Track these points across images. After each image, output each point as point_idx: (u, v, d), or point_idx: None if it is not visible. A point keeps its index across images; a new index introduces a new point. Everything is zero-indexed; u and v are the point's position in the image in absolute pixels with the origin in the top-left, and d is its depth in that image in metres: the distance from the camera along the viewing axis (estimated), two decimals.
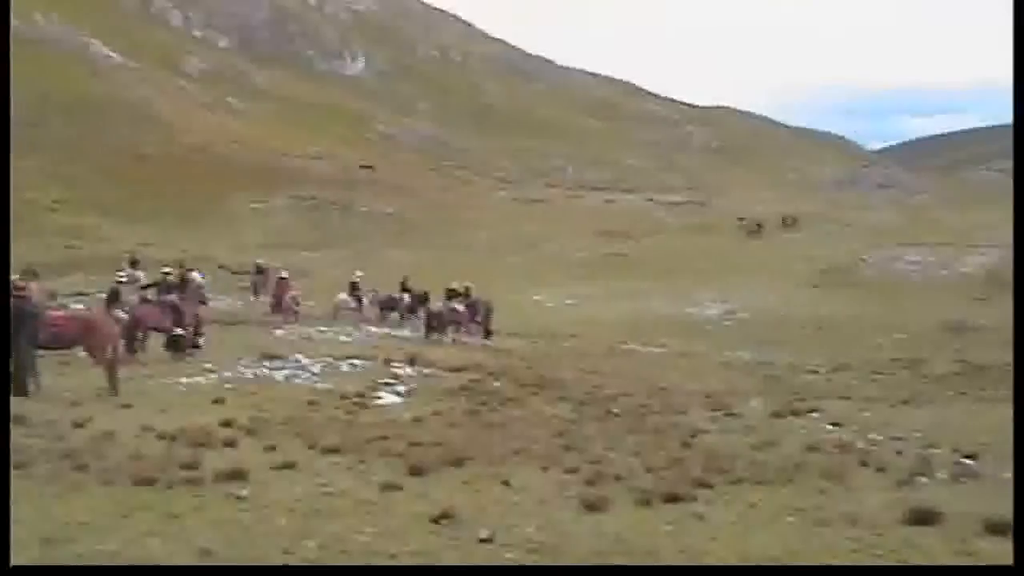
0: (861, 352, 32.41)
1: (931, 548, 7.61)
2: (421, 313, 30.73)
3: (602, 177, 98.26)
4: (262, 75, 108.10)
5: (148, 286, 22.03)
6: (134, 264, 30.63)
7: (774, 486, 10.21)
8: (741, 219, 72.12)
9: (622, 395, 19.52)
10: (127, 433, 11.75)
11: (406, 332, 30.25)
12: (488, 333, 30.70)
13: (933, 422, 15.21)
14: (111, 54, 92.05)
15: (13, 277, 14.90)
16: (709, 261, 56.02)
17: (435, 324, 29.10)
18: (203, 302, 23.25)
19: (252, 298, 36.40)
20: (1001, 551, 7.47)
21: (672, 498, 9.25)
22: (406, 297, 33.05)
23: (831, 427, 15.15)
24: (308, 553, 7.34)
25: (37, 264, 22.65)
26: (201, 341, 21.01)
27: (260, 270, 39.22)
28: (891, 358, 31.52)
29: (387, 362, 20.96)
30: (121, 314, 19.57)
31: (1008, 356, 30.77)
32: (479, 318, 30.86)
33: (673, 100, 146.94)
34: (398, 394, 17.93)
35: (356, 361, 20.84)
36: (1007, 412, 16.81)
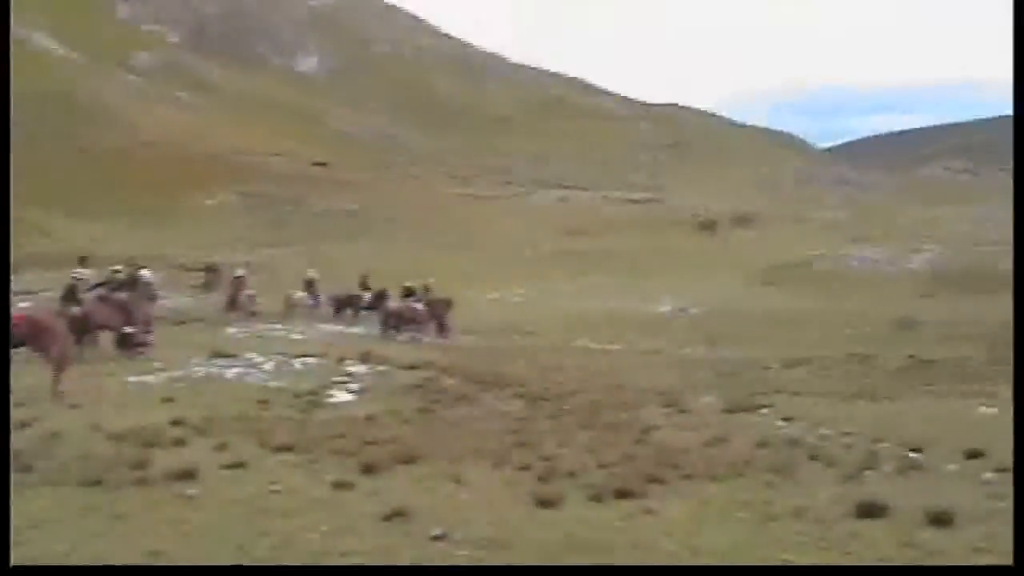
0: (812, 348, 32.71)
1: (876, 541, 7.72)
2: (379, 311, 30.61)
3: (556, 174, 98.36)
4: (214, 70, 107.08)
5: (98, 285, 21.73)
6: (82, 262, 30.19)
7: (725, 481, 10.31)
8: (696, 216, 72.65)
9: (576, 392, 19.56)
10: (75, 433, 11.59)
11: (360, 330, 30.13)
12: (444, 330, 30.65)
13: (882, 416, 15.43)
14: (57, 47, 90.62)
15: None
16: (663, 258, 56.40)
17: (393, 323, 29.01)
18: (153, 300, 22.99)
19: (204, 296, 36.08)
20: (944, 542, 7.61)
21: (624, 494, 9.30)
22: (366, 295, 32.88)
23: (782, 422, 15.31)
24: (259, 552, 7.30)
25: None
26: (150, 339, 20.77)
27: (212, 268, 38.84)
28: (842, 354, 31.85)
29: (340, 360, 20.84)
30: (75, 312, 19.32)
31: (955, 351, 31.33)
32: (439, 316, 30.81)
33: (627, 98, 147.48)
34: (351, 392, 17.83)
35: (309, 359, 20.72)
36: (954, 406, 17.15)
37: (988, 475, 10.58)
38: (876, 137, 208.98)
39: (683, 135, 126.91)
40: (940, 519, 8.13)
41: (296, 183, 73.32)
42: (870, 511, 8.49)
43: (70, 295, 20.26)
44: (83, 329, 19.25)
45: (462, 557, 7.37)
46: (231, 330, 25.74)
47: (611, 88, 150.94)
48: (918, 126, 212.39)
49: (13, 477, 9.04)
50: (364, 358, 21.21)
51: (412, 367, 21.04)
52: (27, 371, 15.93)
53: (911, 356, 30.47)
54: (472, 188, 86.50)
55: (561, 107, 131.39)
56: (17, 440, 10.94)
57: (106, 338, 20.28)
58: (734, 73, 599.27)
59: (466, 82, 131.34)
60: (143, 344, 20.39)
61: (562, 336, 33.62)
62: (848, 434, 13.85)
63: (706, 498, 9.43)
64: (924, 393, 20.68)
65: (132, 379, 16.91)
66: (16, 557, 6.86)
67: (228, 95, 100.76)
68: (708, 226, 69.77)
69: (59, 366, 15.05)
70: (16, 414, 12.60)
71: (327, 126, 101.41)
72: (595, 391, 19.99)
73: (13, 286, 30.41)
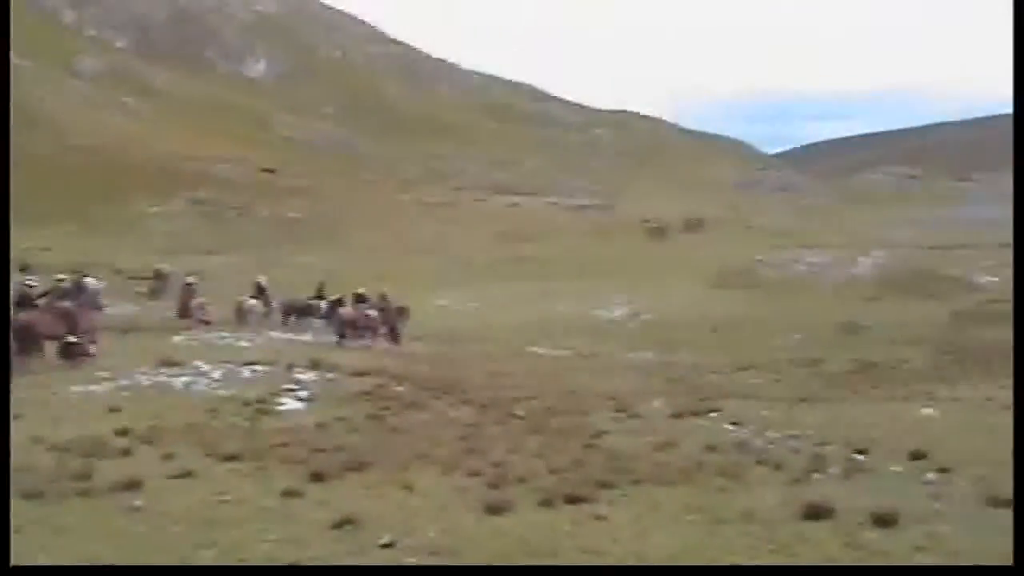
0: (760, 352, 33.06)
1: (822, 542, 7.83)
2: (335, 318, 30.36)
3: (506, 180, 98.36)
4: (161, 76, 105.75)
5: (43, 294, 21.33)
6: (24, 271, 29.67)
7: (674, 486, 10.37)
8: (646, 221, 73.01)
9: (526, 397, 19.57)
10: (16, 445, 11.35)
11: (310, 337, 29.91)
12: (396, 337, 30.54)
13: (828, 420, 15.61)
14: None
15: None
16: (613, 263, 56.61)
17: (347, 330, 28.89)
18: (98, 308, 22.65)
19: (151, 304, 35.62)
20: (887, 543, 7.72)
21: (574, 499, 9.33)
22: (323, 304, 32.44)
23: (731, 426, 15.43)
24: (205, 563, 7.23)
25: None
26: (92, 349, 20.41)
27: (160, 275, 38.36)
28: (789, 358, 32.21)
29: (290, 367, 20.67)
30: (18, 321, 18.96)
31: (899, 354, 31.83)
32: (391, 323, 30.71)
33: (576, 104, 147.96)
34: (300, 400, 17.70)
35: (258, 367, 20.51)
36: (898, 408, 17.40)
37: (930, 475, 10.77)
38: (822, 143, 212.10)
39: (633, 141, 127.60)
40: (884, 520, 8.28)
41: (243, 189, 72.63)
42: (816, 513, 8.61)
43: (24, 301, 19.84)
44: (26, 338, 18.90)
45: (411, 565, 7.35)
46: (178, 338, 25.38)
47: (561, 94, 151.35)
48: (863, 132, 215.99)
49: None
50: (314, 365, 21.05)
51: (362, 374, 20.92)
52: None
53: (856, 359, 30.92)
54: (421, 194, 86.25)
55: (511, 113, 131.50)
56: None
57: (50, 347, 19.92)
58: (683, 79, 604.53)
59: (415, 88, 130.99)
60: (87, 354, 20.07)
61: (513, 342, 33.64)
62: (795, 437, 14.01)
63: (655, 502, 9.48)
64: (869, 396, 20.98)
65: (77, 389, 16.64)
66: None
67: (175, 101, 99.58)
68: (658, 232, 70.15)
69: None
70: None
71: (275, 132, 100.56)
72: (546, 397, 20.01)
73: None
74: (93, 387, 16.98)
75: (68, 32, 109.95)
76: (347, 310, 29.94)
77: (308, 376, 20.07)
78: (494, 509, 8.93)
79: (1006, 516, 8.61)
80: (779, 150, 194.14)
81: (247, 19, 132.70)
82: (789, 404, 18.79)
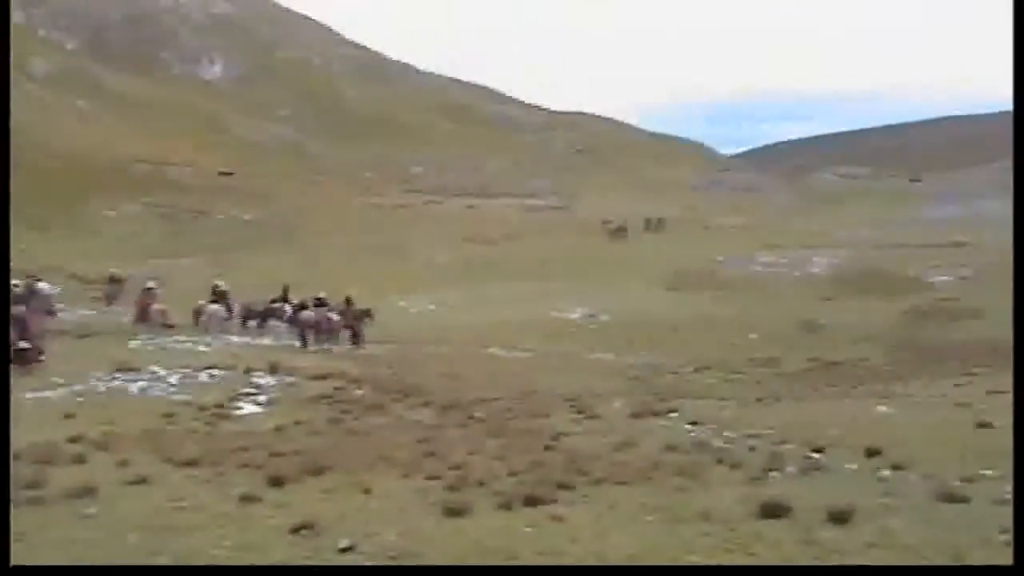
0: (719, 352, 33.35)
1: (779, 540, 7.88)
2: (297, 322, 30.18)
3: (463, 182, 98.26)
4: (114, 78, 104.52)
5: None
6: None
7: (633, 486, 10.40)
8: (606, 222, 73.21)
9: (486, 400, 19.61)
10: None
11: (269, 340, 29.73)
12: (359, 339, 30.48)
13: (786, 418, 15.75)
14: None
15: None
16: (572, 265, 56.67)
17: (308, 332, 28.82)
18: (51, 313, 22.36)
19: (106, 308, 35.21)
20: (842, 540, 7.80)
21: (533, 501, 9.32)
22: (287, 307, 32.08)
23: (689, 426, 15.54)
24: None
25: None
26: (42, 358, 20.11)
27: (115, 279, 37.95)
28: (747, 357, 32.53)
29: (248, 371, 20.55)
30: None
31: (855, 353, 32.27)
32: (353, 326, 30.65)
33: (534, 105, 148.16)
34: (259, 404, 17.62)
35: (215, 371, 20.39)
36: (854, 406, 17.60)
37: (885, 472, 10.90)
38: (779, 144, 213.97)
39: (590, 142, 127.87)
40: (839, 517, 8.37)
41: (200, 192, 72.05)
42: (774, 511, 8.67)
43: None
44: None
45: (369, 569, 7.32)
46: (135, 343, 25.13)
47: (518, 96, 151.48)
48: (819, 133, 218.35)
49: None
50: (273, 369, 20.96)
51: (322, 377, 20.87)
52: None
53: (814, 359, 31.31)
54: (380, 196, 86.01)
55: (468, 115, 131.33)
56: None
57: None
58: (641, 81, 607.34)
59: (373, 90, 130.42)
60: (38, 360, 19.80)
61: (473, 344, 33.64)
62: (754, 436, 14.13)
63: (614, 502, 9.50)
64: (827, 394, 21.22)
65: (30, 395, 16.43)
66: None
67: (129, 103, 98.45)
68: (618, 233, 70.37)
69: None
70: None
71: (232, 134, 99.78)
72: (505, 398, 20.06)
73: None
74: (47, 393, 16.79)
75: (19, 33, 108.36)
76: (309, 313, 29.82)
77: (267, 380, 19.98)
78: (453, 512, 8.90)
79: (955, 511, 8.79)
80: (741, 150, 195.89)
81: (203, 20, 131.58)
82: (747, 403, 18.96)
